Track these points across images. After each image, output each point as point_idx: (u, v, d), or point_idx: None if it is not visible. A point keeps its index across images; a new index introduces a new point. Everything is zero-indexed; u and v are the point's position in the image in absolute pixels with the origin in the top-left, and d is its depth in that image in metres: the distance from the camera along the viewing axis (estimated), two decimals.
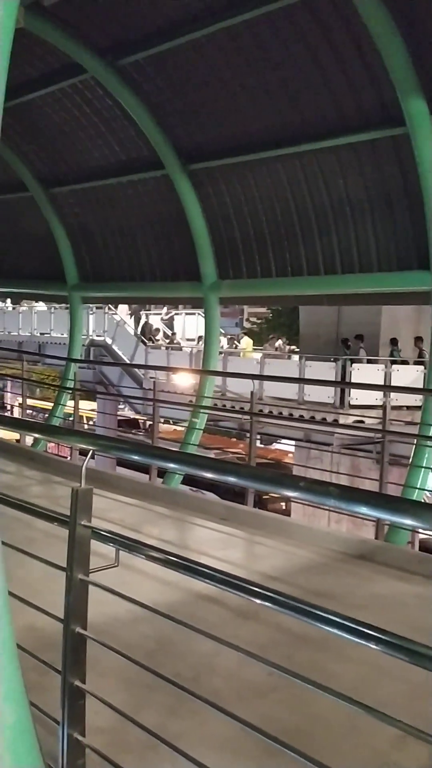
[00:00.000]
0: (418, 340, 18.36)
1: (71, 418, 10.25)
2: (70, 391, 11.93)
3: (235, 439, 22.80)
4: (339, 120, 8.25)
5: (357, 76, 7.82)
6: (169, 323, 27.66)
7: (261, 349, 23.42)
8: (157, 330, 26.02)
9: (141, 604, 2.37)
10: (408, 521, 1.84)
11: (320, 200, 9.03)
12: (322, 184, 8.92)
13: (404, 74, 7.00)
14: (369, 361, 17.13)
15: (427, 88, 7.03)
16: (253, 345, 24.17)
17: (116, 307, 23.39)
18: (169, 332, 26.27)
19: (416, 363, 16.90)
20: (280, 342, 24.87)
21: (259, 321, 34.49)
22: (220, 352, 16.91)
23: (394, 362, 17.09)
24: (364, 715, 1.81)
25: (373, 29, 7.01)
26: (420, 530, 6.41)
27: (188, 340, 25.81)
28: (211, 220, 10.37)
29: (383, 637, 1.86)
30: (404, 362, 17.42)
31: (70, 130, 11.58)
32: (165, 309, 28.03)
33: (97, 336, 23.64)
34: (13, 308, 29.45)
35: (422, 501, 7.03)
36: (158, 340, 24.64)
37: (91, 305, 21.00)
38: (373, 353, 18.23)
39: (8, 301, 29.08)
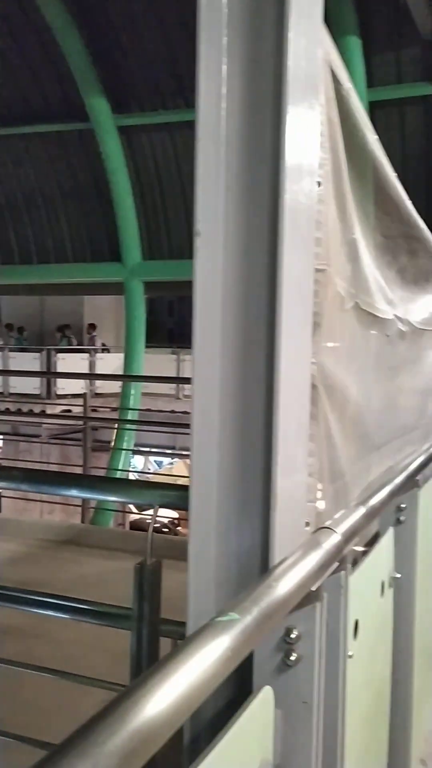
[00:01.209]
0: (90, 327, 19.19)
1: None
2: None
3: None
4: (25, 109, 8.17)
5: (41, 70, 7.82)
6: None
7: None
8: None
9: None
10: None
11: (10, 187, 8.85)
12: (11, 171, 8.75)
13: (85, 72, 7.19)
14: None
15: (108, 86, 7.32)
16: None
17: None
18: None
19: (79, 351, 17.53)
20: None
21: None
22: None
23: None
24: (69, 691, 1.96)
25: (55, 27, 7.08)
26: (107, 507, 6.74)
27: None
28: None
29: (76, 605, 2.05)
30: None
31: None
32: None
33: None
34: None
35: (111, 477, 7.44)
36: None
37: None
38: (78, 342, 18.52)
39: None
